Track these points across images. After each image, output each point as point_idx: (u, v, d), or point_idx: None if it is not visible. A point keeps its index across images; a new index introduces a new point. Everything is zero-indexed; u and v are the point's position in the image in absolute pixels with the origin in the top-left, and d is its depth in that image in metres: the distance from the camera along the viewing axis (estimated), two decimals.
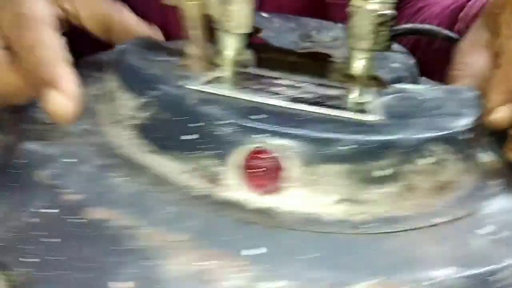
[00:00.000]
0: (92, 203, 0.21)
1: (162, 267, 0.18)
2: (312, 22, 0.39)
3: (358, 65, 0.25)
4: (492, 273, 0.20)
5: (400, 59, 0.31)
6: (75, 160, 0.23)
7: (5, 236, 0.20)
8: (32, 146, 0.24)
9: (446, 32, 0.32)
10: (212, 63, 0.26)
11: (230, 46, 0.26)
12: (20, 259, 0.19)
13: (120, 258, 0.19)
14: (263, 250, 0.19)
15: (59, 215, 0.21)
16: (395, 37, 0.32)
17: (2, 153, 0.24)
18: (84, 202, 0.21)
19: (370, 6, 0.24)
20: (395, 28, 0.32)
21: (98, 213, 0.20)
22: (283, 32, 0.35)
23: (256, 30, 0.32)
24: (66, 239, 0.20)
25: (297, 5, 0.52)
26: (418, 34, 0.32)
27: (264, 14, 0.39)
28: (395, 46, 0.33)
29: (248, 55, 0.27)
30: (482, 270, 0.19)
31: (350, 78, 0.26)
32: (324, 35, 0.35)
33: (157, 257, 0.18)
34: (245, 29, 0.26)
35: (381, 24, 0.24)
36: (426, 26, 0.33)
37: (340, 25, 0.39)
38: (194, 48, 0.25)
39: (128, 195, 0.21)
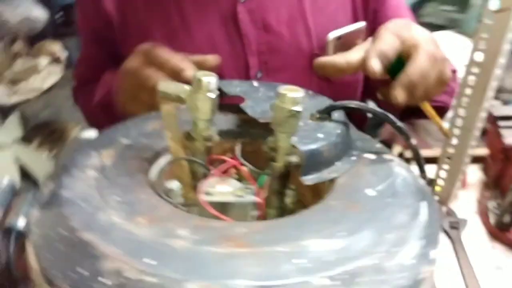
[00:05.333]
0: None
1: None
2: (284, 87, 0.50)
3: (279, 140, 0.38)
4: None
5: (329, 128, 0.42)
6: None
7: None
8: None
9: (371, 108, 0.42)
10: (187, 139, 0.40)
11: (199, 127, 0.40)
12: None
13: None
14: None
15: None
16: (333, 109, 0.43)
17: None
18: None
19: (284, 106, 0.36)
20: (335, 104, 0.43)
21: None
22: (261, 101, 0.47)
23: (240, 99, 0.45)
24: None
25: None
26: (350, 109, 0.43)
27: (255, 84, 0.52)
28: (336, 115, 0.44)
29: (212, 132, 0.41)
30: None
31: (274, 149, 0.38)
32: None
33: None
34: (209, 116, 0.39)
35: (291, 116, 0.36)
36: (354, 103, 0.43)
37: (310, 92, 0.50)
38: (169, 134, 0.38)
39: None
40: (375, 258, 0.30)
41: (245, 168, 0.40)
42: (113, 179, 0.37)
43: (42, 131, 1.04)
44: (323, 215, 0.34)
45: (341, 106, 0.43)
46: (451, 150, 0.69)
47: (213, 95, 0.38)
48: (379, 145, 0.45)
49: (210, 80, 0.38)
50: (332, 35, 0.64)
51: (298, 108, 0.36)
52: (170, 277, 0.27)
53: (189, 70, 0.49)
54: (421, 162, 0.43)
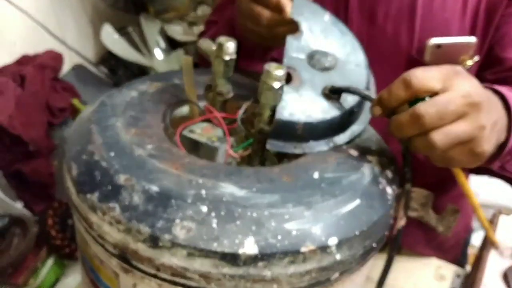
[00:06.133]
0: None
1: None
2: (349, 41, 0.54)
3: (261, 108, 0.45)
4: None
5: (322, 109, 0.45)
6: None
7: None
8: None
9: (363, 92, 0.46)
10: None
11: (215, 82, 0.49)
12: None
13: None
14: None
15: None
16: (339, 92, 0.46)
17: None
18: None
19: (265, 80, 0.43)
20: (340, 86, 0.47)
21: None
22: (308, 41, 0.51)
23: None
24: None
25: None
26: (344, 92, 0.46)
27: (326, 18, 0.55)
28: (350, 99, 0.47)
29: (226, 89, 0.50)
30: None
31: (255, 115, 0.45)
32: (324, 60, 0.50)
33: None
34: (222, 75, 0.48)
35: (268, 90, 0.43)
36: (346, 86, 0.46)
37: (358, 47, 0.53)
38: (185, 79, 0.49)
39: None
40: (260, 213, 0.36)
41: (224, 123, 0.48)
42: (142, 101, 0.50)
43: None
44: (258, 174, 0.41)
45: (345, 89, 0.46)
46: None
47: (227, 58, 0.47)
48: (374, 149, 0.48)
49: (229, 45, 0.47)
50: (433, 41, 0.64)
51: (275, 84, 0.42)
52: (114, 167, 0.39)
53: (288, 10, 0.53)
54: (407, 163, 0.44)
